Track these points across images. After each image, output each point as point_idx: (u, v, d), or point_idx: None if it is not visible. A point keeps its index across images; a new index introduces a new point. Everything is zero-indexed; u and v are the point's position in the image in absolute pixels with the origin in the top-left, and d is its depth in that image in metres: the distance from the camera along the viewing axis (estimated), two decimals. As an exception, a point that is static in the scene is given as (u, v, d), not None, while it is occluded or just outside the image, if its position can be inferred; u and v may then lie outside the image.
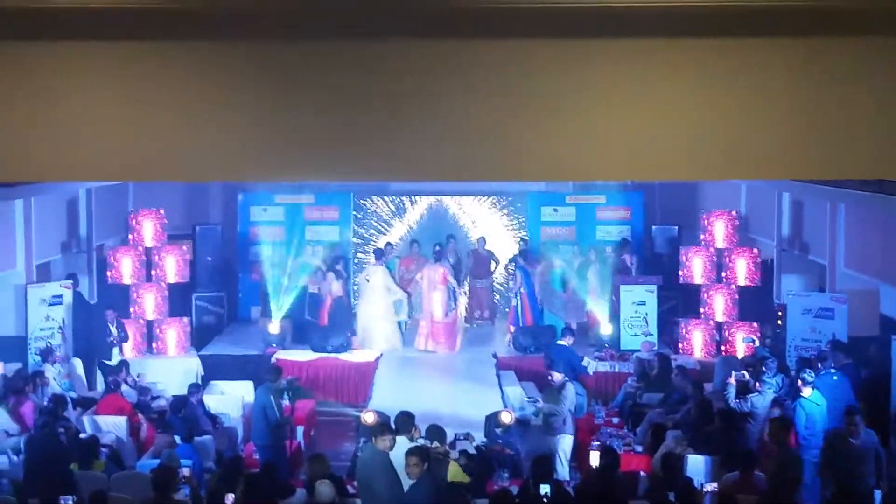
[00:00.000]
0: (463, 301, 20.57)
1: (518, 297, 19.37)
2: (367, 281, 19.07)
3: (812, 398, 12.52)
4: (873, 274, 16.25)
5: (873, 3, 9.00)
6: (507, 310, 20.32)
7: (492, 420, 13.62)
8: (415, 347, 18.94)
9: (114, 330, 17.13)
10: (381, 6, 9.20)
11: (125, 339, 17.37)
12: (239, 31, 9.34)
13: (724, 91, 9.37)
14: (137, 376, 15.61)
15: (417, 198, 22.15)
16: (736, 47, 9.27)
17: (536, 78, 9.41)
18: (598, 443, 12.80)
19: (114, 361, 16.59)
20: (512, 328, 19.18)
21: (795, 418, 12.49)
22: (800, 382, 12.72)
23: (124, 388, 14.86)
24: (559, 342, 15.93)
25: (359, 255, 21.51)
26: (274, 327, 18.59)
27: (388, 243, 20.79)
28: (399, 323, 19.39)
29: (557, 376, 13.31)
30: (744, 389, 13.25)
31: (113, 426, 13.75)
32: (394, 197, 22.11)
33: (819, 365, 13.62)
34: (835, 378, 13.33)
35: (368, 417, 13.05)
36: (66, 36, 9.32)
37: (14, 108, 9.52)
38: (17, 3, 9.12)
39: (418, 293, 19.34)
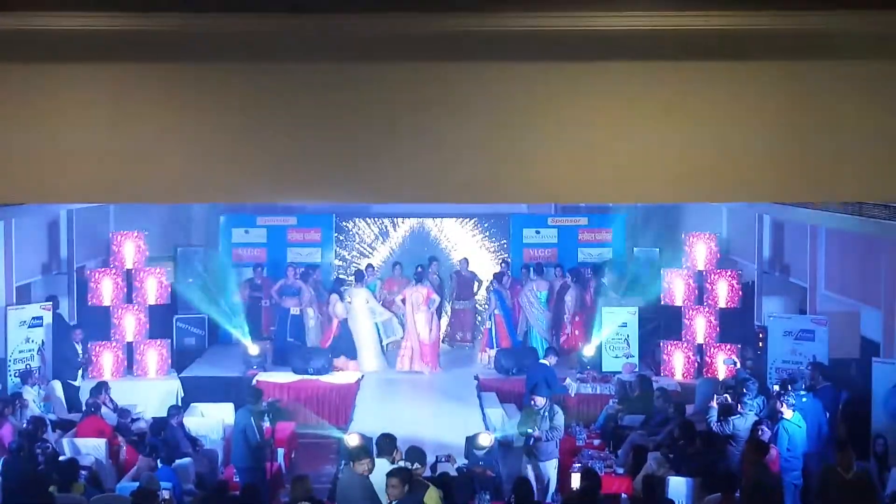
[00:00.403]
0: (444, 322, 20.55)
1: (493, 320, 19.37)
2: (350, 303, 19.02)
3: (794, 420, 12.56)
4: (854, 296, 16.31)
5: (856, 26, 9.04)
6: (482, 330, 20.33)
7: (472, 441, 13.58)
8: (397, 369, 18.88)
9: (80, 350, 17.08)
10: (361, 29, 9.19)
11: (89, 361, 17.36)
12: (222, 53, 9.33)
13: (708, 114, 9.39)
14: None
15: (400, 220, 22.16)
16: (719, 70, 9.30)
17: (519, 100, 9.42)
18: (580, 465, 12.77)
19: (78, 382, 16.53)
20: (487, 350, 19.16)
21: (777, 440, 12.52)
22: (783, 406, 12.77)
23: (104, 410, 14.79)
24: (542, 360, 15.96)
25: (340, 276, 21.46)
26: (255, 349, 18.53)
27: (369, 265, 20.76)
28: (382, 345, 19.33)
29: (540, 401, 13.20)
30: (726, 411, 13.25)
31: (93, 448, 13.66)
32: (376, 219, 22.12)
33: (790, 387, 13.63)
34: (804, 400, 13.36)
35: (352, 440, 12.99)
36: (44, 59, 9.27)
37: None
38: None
39: (402, 315, 19.28)
